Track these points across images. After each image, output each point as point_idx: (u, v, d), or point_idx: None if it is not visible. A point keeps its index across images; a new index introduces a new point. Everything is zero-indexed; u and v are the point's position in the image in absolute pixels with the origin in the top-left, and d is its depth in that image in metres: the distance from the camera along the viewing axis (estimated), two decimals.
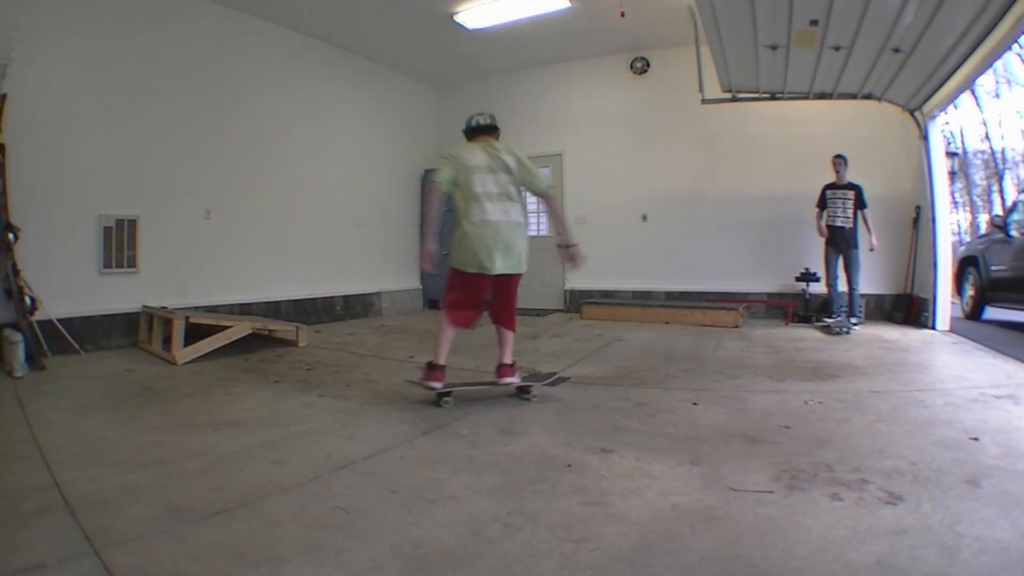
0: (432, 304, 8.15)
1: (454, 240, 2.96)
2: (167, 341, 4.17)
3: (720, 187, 6.76)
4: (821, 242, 5.76)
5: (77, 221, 4.48)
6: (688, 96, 5.98)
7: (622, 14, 5.65)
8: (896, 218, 6.03)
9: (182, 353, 4.03)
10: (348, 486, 1.86)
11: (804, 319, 5.93)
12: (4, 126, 3.87)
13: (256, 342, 4.86)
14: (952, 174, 13.46)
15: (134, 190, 4.83)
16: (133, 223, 4.79)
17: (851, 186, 5.56)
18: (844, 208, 5.56)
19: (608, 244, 7.35)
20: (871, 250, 5.54)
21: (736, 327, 5.70)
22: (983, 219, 15.38)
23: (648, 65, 7.13)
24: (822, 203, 5.71)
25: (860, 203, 5.55)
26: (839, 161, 5.61)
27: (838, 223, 5.58)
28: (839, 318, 5.55)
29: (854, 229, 5.57)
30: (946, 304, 5.40)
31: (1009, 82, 14.46)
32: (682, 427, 2.47)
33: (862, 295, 5.96)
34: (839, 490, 1.76)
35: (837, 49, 4.34)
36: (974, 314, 6.42)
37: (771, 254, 6.46)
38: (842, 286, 5.69)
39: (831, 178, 5.68)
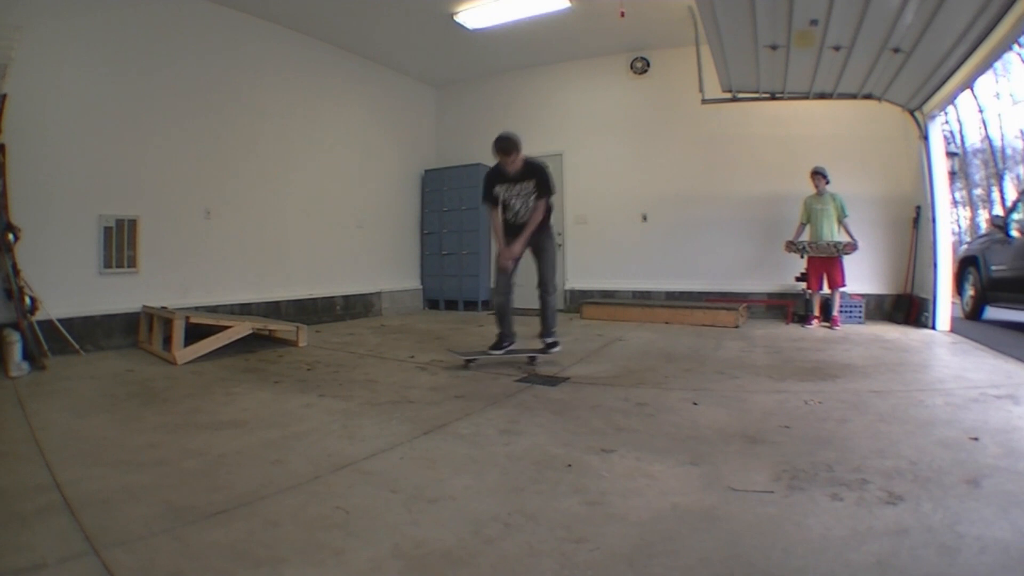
0: (432, 304, 8.16)
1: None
2: (167, 341, 4.17)
3: (720, 187, 6.76)
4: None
5: (77, 221, 4.48)
6: (688, 96, 5.99)
7: (622, 14, 5.66)
8: (896, 218, 6.04)
9: (182, 353, 4.03)
10: (348, 486, 1.86)
11: (804, 319, 5.93)
12: (4, 126, 3.87)
13: (256, 342, 4.86)
14: (952, 174, 13.46)
15: (134, 190, 4.83)
16: (133, 223, 4.79)
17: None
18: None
19: (608, 244, 7.36)
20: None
21: (736, 327, 5.70)
22: (983, 219, 15.39)
23: (648, 65, 7.14)
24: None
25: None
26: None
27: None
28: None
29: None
30: (946, 304, 5.40)
31: (1009, 82, 14.46)
32: (682, 427, 2.47)
33: (862, 295, 5.98)
34: (839, 490, 1.76)
35: (837, 49, 4.35)
36: (974, 314, 6.42)
37: (771, 254, 6.46)
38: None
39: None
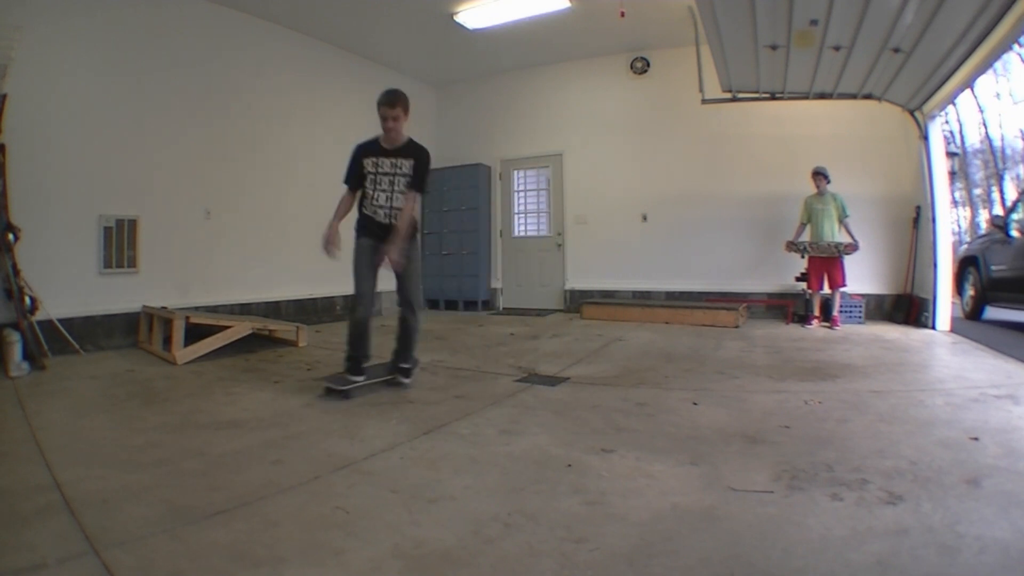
0: (432, 304, 8.17)
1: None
2: (167, 341, 4.17)
3: (720, 187, 6.76)
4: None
5: (77, 221, 4.48)
6: (688, 96, 5.99)
7: (622, 14, 5.66)
8: (896, 218, 6.04)
9: (182, 353, 4.03)
10: (348, 486, 1.86)
11: (804, 319, 5.93)
12: (4, 126, 3.87)
13: (256, 342, 4.86)
14: (952, 174, 13.48)
15: (134, 190, 4.83)
16: (133, 223, 4.79)
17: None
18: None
19: (608, 244, 7.36)
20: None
21: (736, 327, 5.70)
22: (983, 218, 15.39)
23: (648, 65, 7.14)
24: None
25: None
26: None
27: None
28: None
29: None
30: (946, 304, 5.40)
31: (1009, 82, 14.47)
32: (682, 427, 2.47)
33: (862, 295, 5.98)
34: (839, 490, 1.76)
35: (837, 49, 4.35)
36: (974, 314, 6.42)
37: (771, 254, 6.46)
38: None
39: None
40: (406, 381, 3.30)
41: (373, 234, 3.11)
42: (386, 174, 3.06)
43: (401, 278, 3.24)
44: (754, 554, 1.40)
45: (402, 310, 3.33)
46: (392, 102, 2.99)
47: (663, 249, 7.08)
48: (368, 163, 3.08)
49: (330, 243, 3.04)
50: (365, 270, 3.17)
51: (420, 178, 3.11)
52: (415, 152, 3.11)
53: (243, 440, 2.35)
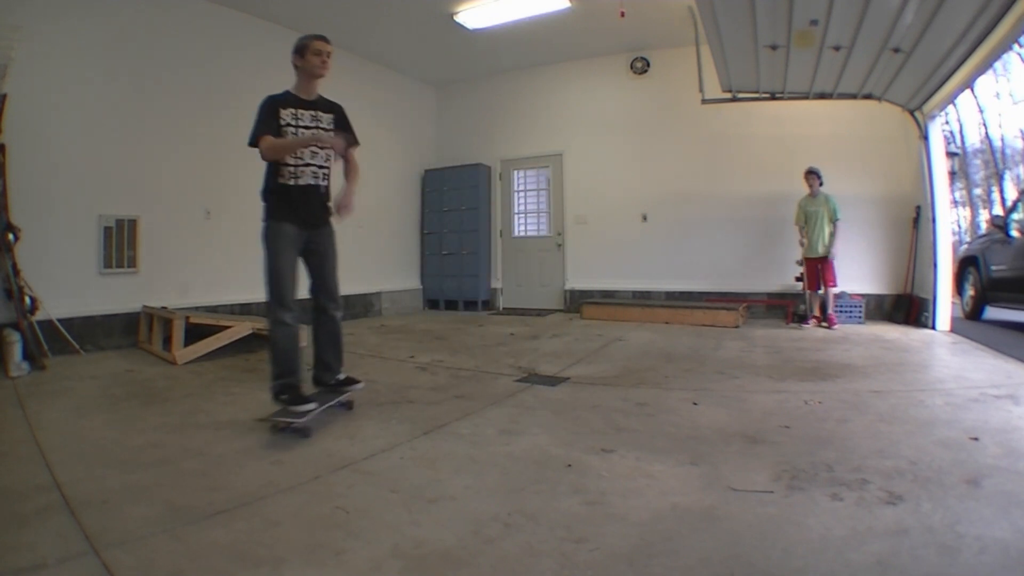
0: (432, 304, 8.17)
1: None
2: (167, 341, 4.18)
3: (720, 187, 6.76)
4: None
5: (77, 221, 4.48)
6: (688, 96, 5.99)
7: (622, 14, 5.66)
8: (896, 218, 6.04)
9: (182, 353, 4.03)
10: (348, 486, 1.87)
11: (803, 319, 5.93)
12: (4, 126, 3.87)
13: (256, 342, 4.85)
14: (952, 174, 13.47)
15: (134, 190, 4.83)
16: (133, 223, 4.79)
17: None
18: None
19: (608, 244, 7.36)
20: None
21: (736, 327, 5.70)
22: (983, 218, 15.39)
23: (648, 65, 7.14)
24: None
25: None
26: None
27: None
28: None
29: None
30: (946, 304, 5.40)
31: (1009, 82, 14.47)
32: (682, 427, 2.47)
33: (862, 295, 5.98)
34: (839, 490, 1.76)
35: (837, 49, 4.35)
36: (974, 314, 6.42)
37: (771, 254, 6.46)
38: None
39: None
40: (361, 385, 2.84)
41: (297, 216, 2.64)
42: (307, 127, 2.73)
43: (321, 266, 2.74)
44: (754, 554, 1.40)
45: (324, 305, 2.75)
46: (326, 38, 2.74)
47: (663, 249, 7.08)
48: (287, 114, 2.69)
49: (327, 142, 2.71)
50: (290, 269, 2.61)
51: (349, 128, 2.86)
52: (333, 106, 2.86)
53: (243, 440, 2.35)
